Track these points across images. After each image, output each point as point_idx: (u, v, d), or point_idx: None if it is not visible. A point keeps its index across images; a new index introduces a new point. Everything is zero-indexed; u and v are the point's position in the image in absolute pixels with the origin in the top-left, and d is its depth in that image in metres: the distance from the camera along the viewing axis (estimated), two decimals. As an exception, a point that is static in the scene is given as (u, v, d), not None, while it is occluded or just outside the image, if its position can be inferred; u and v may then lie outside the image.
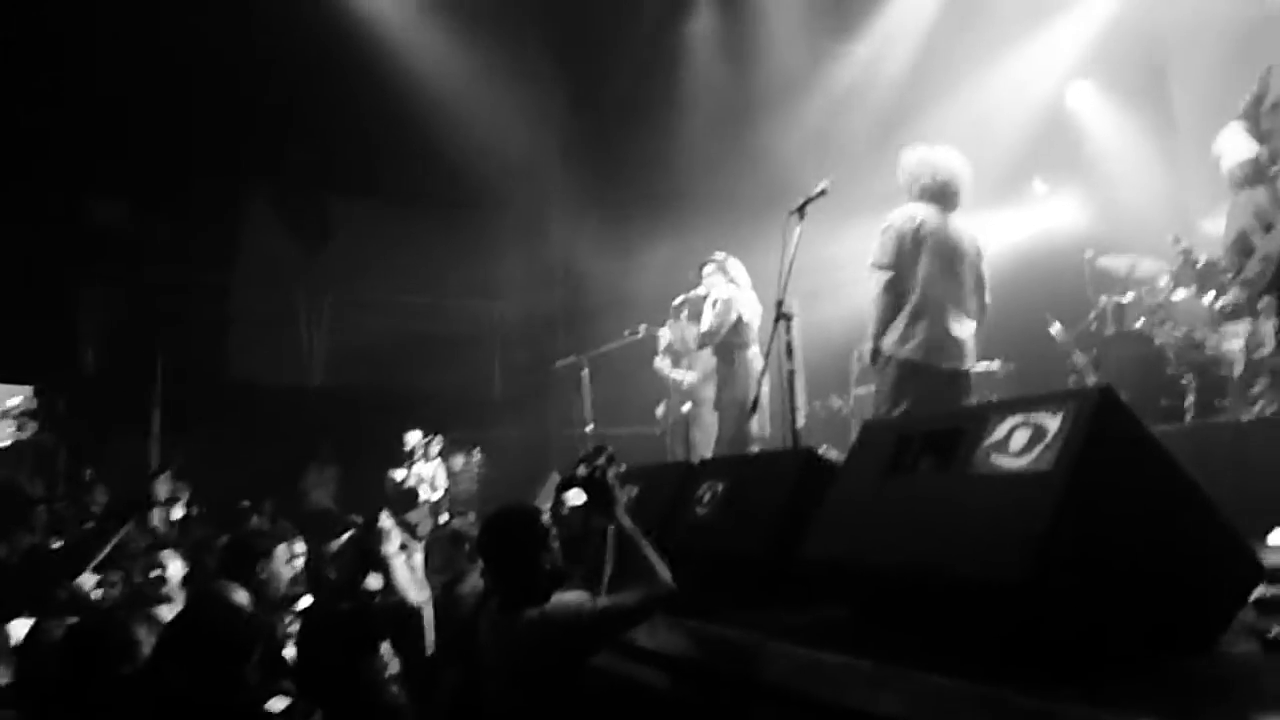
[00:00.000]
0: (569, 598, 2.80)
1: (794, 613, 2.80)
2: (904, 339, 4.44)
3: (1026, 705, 1.76)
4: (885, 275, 4.48)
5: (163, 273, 9.77)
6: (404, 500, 6.99)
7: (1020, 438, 2.20)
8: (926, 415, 3.43)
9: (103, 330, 9.94)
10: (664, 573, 2.81)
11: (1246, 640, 2.10)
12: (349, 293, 11.45)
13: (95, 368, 9.74)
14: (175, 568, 4.28)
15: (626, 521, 2.94)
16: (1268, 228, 2.96)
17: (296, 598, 4.26)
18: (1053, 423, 2.13)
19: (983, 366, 7.47)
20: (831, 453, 8.22)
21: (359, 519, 7.14)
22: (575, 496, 3.42)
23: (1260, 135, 3.07)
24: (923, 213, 4.60)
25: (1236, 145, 3.04)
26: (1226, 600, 2.11)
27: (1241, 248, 3.06)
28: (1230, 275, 3.15)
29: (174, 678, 2.41)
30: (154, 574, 4.25)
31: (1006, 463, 2.19)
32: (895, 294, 4.44)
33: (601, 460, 3.10)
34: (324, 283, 11.45)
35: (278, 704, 2.72)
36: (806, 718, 2.28)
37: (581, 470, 3.15)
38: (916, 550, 2.27)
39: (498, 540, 2.95)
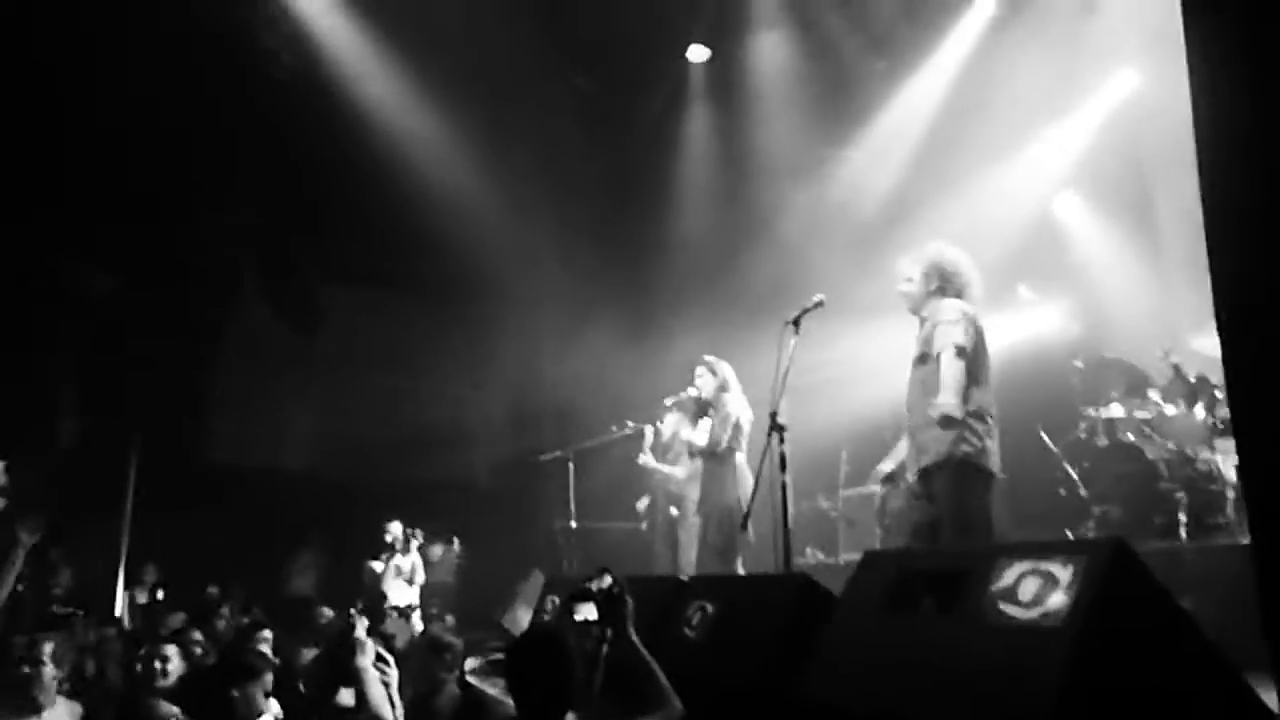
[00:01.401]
0: None
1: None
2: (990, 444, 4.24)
3: None
4: (963, 362, 4.23)
5: (145, 347, 9.62)
6: (373, 608, 6.83)
7: (1029, 587, 2.13)
8: (928, 551, 3.35)
9: (80, 404, 9.76)
10: (675, 701, 2.77)
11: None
12: (333, 377, 11.35)
13: (72, 442, 9.54)
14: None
15: (639, 643, 2.90)
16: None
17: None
18: (1064, 574, 2.06)
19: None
20: (817, 555, 8.18)
21: (331, 612, 6.96)
22: (587, 611, 3.33)
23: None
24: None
25: None
26: (1247, 769, 2.02)
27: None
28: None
29: None
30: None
31: (1015, 613, 2.11)
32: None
33: (612, 579, 3.06)
34: (313, 366, 11.35)
35: None
36: None
37: (594, 585, 3.11)
38: (921, 700, 2.17)
39: (530, 665, 2.85)
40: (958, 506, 4.02)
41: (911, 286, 4.54)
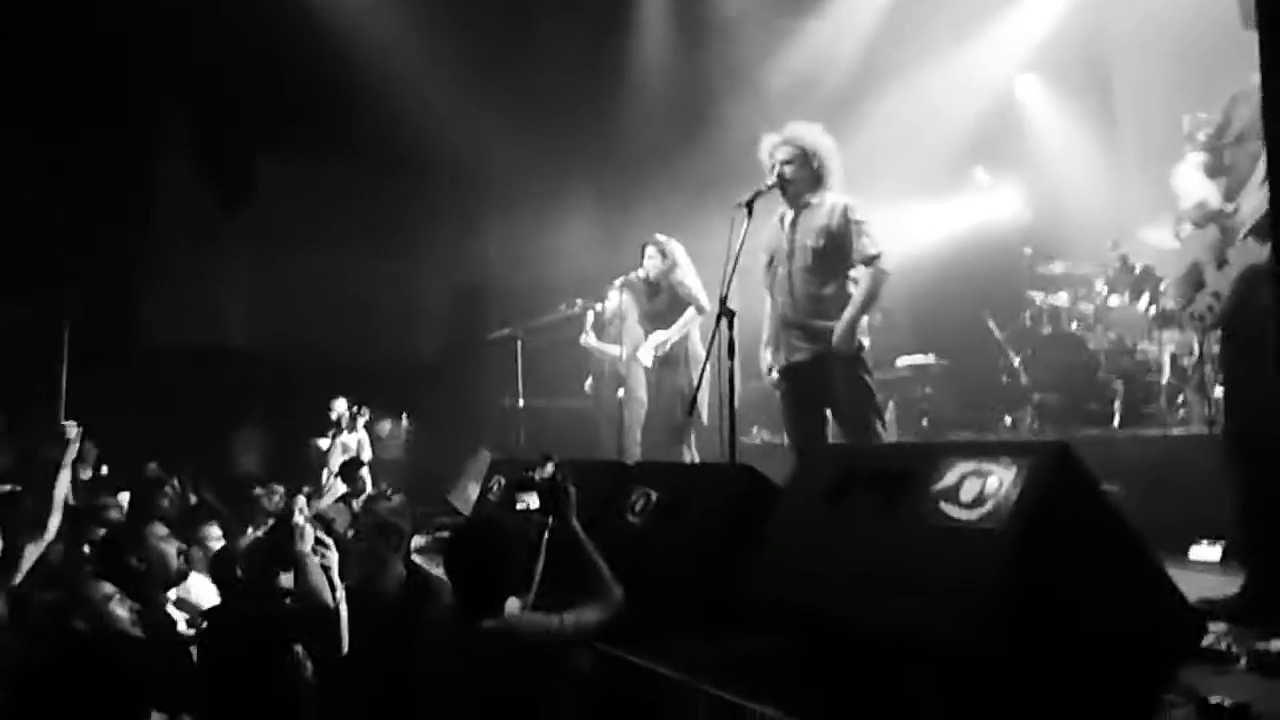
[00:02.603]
0: (536, 616, 2.75)
1: (726, 643, 2.71)
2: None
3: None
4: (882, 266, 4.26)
5: (71, 228, 9.18)
6: (347, 472, 6.84)
7: (971, 488, 2.12)
8: (870, 448, 3.35)
9: (5, 287, 9.35)
10: (616, 590, 2.81)
11: (1186, 704, 2.07)
12: (271, 254, 10.96)
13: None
14: None
15: (581, 532, 2.92)
16: (1221, 264, 2.92)
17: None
18: (1006, 476, 2.04)
19: (917, 360, 7.52)
20: (763, 434, 8.29)
21: (279, 489, 6.91)
22: (530, 499, 3.32)
23: (1222, 169, 3.02)
24: None
25: (1192, 186, 2.99)
26: (1169, 662, 2.07)
27: (1193, 280, 3.01)
28: (1179, 306, 3.11)
29: None
30: None
31: (955, 514, 2.11)
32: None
33: (555, 468, 3.05)
34: (243, 243, 10.94)
35: None
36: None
37: (537, 474, 3.10)
38: (859, 600, 2.18)
39: (467, 556, 2.83)
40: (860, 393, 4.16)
41: (794, 170, 4.39)
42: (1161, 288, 6.00)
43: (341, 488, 7.28)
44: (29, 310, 9.05)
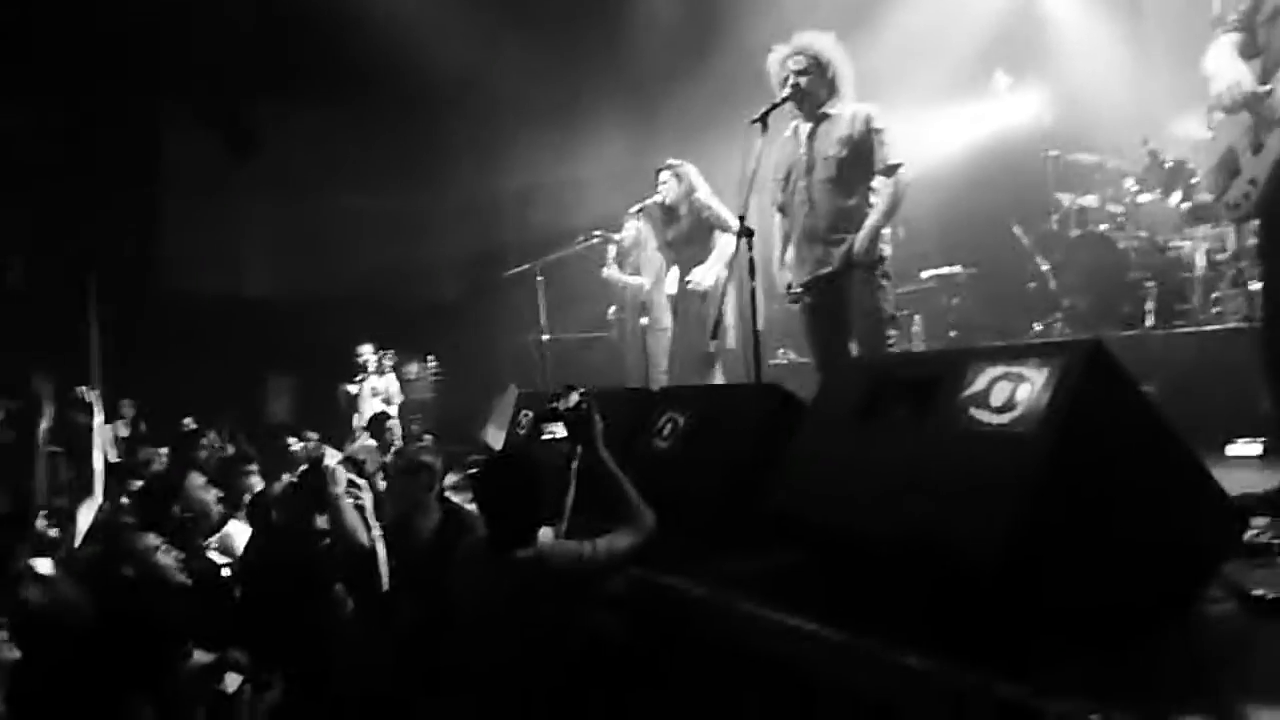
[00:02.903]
0: (568, 543, 2.77)
1: (754, 559, 2.72)
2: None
3: (996, 694, 1.68)
4: (902, 176, 4.17)
5: (87, 185, 9.17)
6: (374, 425, 6.88)
7: (1002, 391, 2.06)
8: (898, 357, 3.29)
9: (21, 246, 9.40)
10: (648, 514, 2.81)
11: (1227, 599, 2.04)
12: (286, 199, 10.92)
13: (20, 285, 9.25)
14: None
15: (609, 459, 2.91)
16: (1257, 149, 2.79)
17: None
18: (1037, 378, 1.99)
19: (944, 270, 7.39)
20: (789, 355, 8.24)
21: (311, 435, 6.99)
22: (557, 429, 3.32)
23: (1256, 48, 2.87)
24: None
25: (1225, 68, 2.84)
26: (1210, 558, 2.04)
27: (1227, 168, 2.88)
28: (1214, 196, 2.99)
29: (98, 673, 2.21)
30: None
31: (986, 418, 2.06)
32: None
33: (579, 397, 3.04)
34: (259, 189, 10.89)
35: (231, 682, 2.61)
36: (766, 683, 2.21)
37: (561, 405, 3.08)
38: (887, 511, 2.15)
39: (498, 489, 2.85)
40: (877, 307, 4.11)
41: (810, 81, 4.25)
42: (1194, 181, 5.81)
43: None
44: (54, 272, 9.13)
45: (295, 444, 5.87)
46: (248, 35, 9.36)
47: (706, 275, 5.60)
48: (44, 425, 4.28)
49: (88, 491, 3.83)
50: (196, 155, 10.57)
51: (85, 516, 3.75)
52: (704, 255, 5.73)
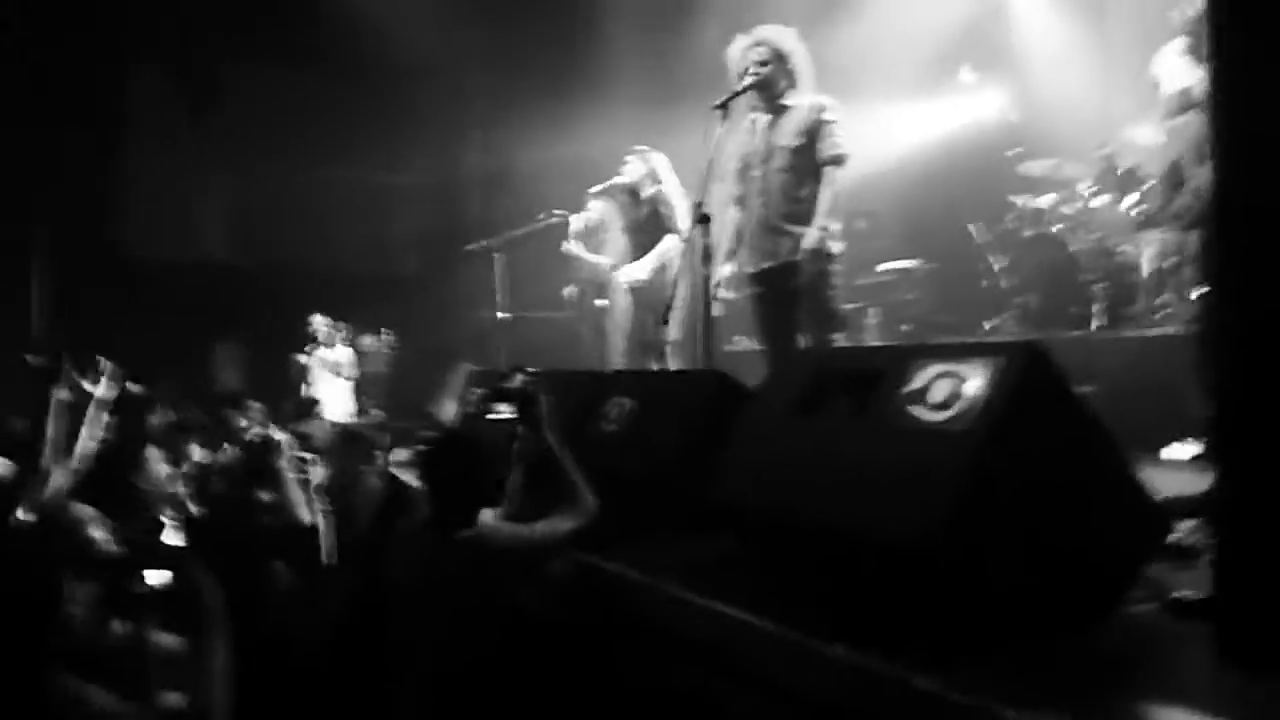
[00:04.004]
0: (508, 524, 2.78)
1: (694, 545, 2.74)
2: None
3: (917, 686, 1.71)
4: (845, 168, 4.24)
5: (41, 141, 8.89)
6: (300, 407, 6.71)
7: (941, 389, 2.09)
8: (844, 351, 3.32)
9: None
10: (590, 497, 2.82)
11: (1150, 601, 2.09)
12: (245, 165, 10.69)
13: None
14: None
15: (554, 441, 2.91)
16: (1203, 159, 2.84)
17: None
18: (976, 377, 2.01)
19: (902, 264, 7.46)
20: (744, 342, 8.27)
21: (256, 404, 6.87)
22: (503, 409, 3.31)
23: (1204, 54, 2.91)
24: None
25: (1174, 70, 2.88)
26: (1134, 560, 2.08)
27: (1173, 179, 2.94)
28: (1161, 205, 3.05)
29: None
30: None
31: (924, 416, 2.08)
32: None
33: (526, 378, 3.03)
34: (220, 154, 10.65)
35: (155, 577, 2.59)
36: (698, 670, 2.23)
37: (514, 383, 3.08)
38: (825, 503, 2.17)
39: (441, 467, 2.84)
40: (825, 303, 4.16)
41: (770, 71, 4.30)
42: (1146, 186, 5.90)
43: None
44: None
45: (236, 413, 5.75)
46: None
47: (638, 271, 5.65)
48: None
49: (67, 454, 3.73)
50: (158, 112, 10.30)
51: (59, 479, 3.65)
52: (650, 248, 5.76)
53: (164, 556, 2.97)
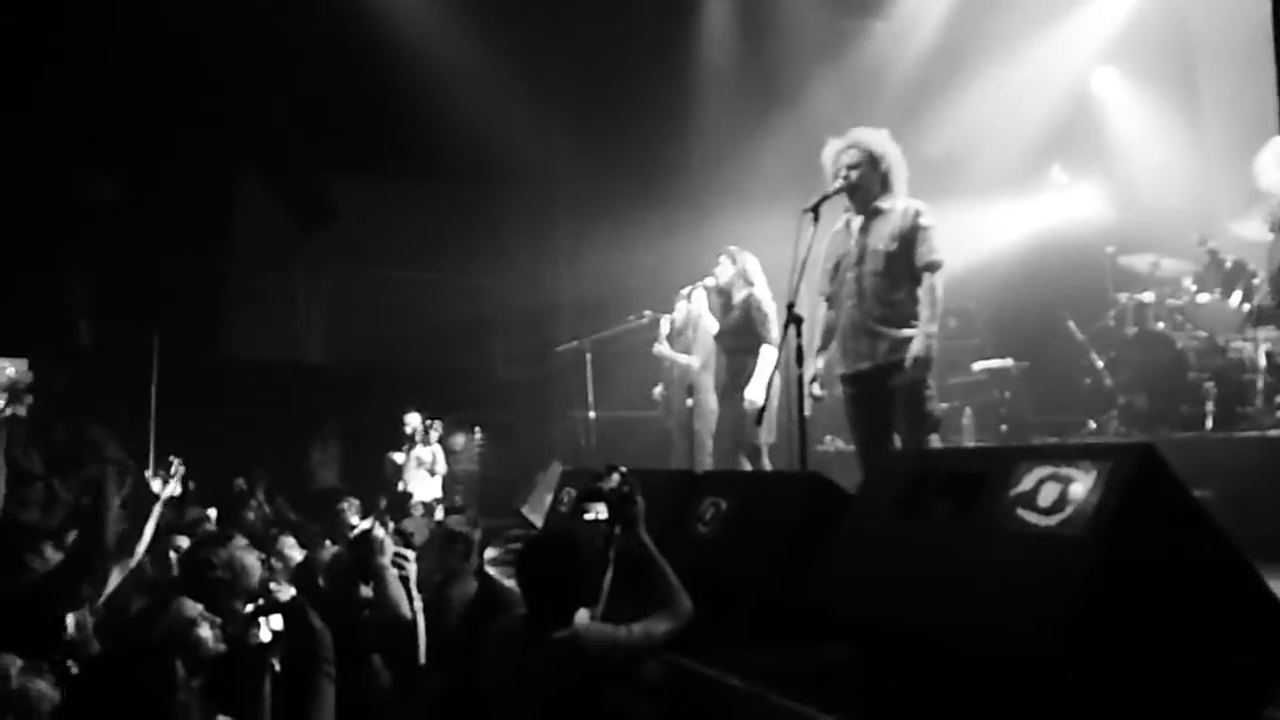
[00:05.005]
0: (604, 626, 2.74)
1: (797, 652, 2.67)
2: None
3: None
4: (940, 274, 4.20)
5: (157, 249, 9.57)
6: (396, 503, 6.86)
7: (1049, 492, 2.03)
8: (944, 452, 3.26)
9: (97, 307, 9.78)
10: (685, 600, 2.78)
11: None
12: (349, 270, 11.28)
13: (90, 344, 9.60)
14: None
15: (649, 542, 2.90)
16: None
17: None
18: (1086, 479, 1.96)
19: (996, 364, 7.32)
20: (836, 443, 8.16)
21: (355, 501, 7.03)
22: (598, 509, 3.32)
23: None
24: None
25: (1270, 169, 2.82)
26: (1268, 675, 1.96)
27: (1285, 278, 2.85)
28: (1276, 301, 2.95)
29: None
30: None
31: (1033, 520, 2.03)
32: None
33: (621, 479, 3.04)
34: (323, 260, 11.26)
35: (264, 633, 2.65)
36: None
37: (604, 485, 3.09)
38: (932, 609, 2.11)
39: (538, 567, 2.85)
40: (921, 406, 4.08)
41: (861, 174, 4.30)
42: (1255, 281, 5.72)
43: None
44: (120, 332, 9.46)
45: (345, 508, 5.91)
46: (324, 111, 9.78)
47: (756, 392, 5.58)
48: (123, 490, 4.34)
49: (129, 555, 3.87)
50: (267, 225, 10.97)
51: (116, 578, 3.78)
52: (749, 354, 5.77)
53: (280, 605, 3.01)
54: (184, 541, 4.22)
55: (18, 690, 2.76)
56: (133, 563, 3.87)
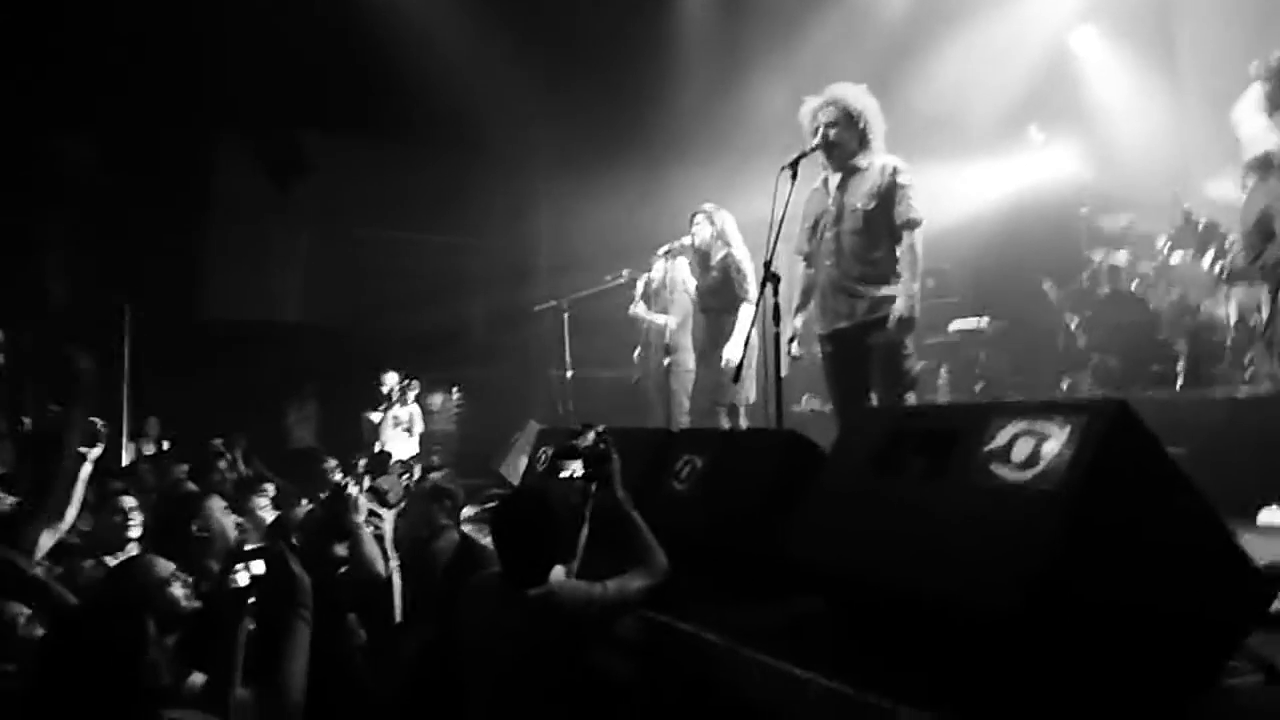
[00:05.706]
0: (579, 583, 2.75)
1: (767, 605, 2.69)
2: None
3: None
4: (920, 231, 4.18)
5: (130, 210, 9.39)
6: (376, 462, 6.82)
7: (1023, 448, 2.04)
8: (919, 409, 3.27)
9: (69, 268, 9.62)
10: (661, 557, 2.80)
11: (1251, 670, 1.99)
12: (325, 230, 11.13)
13: (63, 305, 9.44)
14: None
15: (625, 499, 2.91)
16: (1293, 211, 2.78)
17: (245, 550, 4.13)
18: (1060, 435, 1.97)
19: (971, 323, 7.36)
20: (814, 401, 8.20)
21: (333, 460, 6.99)
22: (574, 467, 3.31)
23: (1281, 102, 2.85)
24: None
25: (1254, 129, 2.82)
26: (1233, 628, 1.99)
27: (1262, 230, 2.86)
28: (1249, 257, 2.97)
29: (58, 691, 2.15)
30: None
31: (1007, 474, 2.04)
32: None
33: (597, 436, 3.04)
34: (299, 219, 11.11)
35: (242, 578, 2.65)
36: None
37: (579, 443, 3.08)
38: (905, 564, 2.13)
39: (513, 525, 2.84)
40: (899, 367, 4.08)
41: (839, 132, 4.27)
42: (1227, 244, 5.76)
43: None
44: (93, 292, 9.31)
45: (327, 467, 5.89)
46: (301, 71, 9.59)
47: (734, 351, 5.59)
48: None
49: (59, 518, 3.79)
50: (243, 183, 10.80)
51: (46, 543, 3.71)
52: (727, 314, 5.75)
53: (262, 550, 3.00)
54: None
55: (23, 638, 2.75)
56: (64, 526, 3.80)
